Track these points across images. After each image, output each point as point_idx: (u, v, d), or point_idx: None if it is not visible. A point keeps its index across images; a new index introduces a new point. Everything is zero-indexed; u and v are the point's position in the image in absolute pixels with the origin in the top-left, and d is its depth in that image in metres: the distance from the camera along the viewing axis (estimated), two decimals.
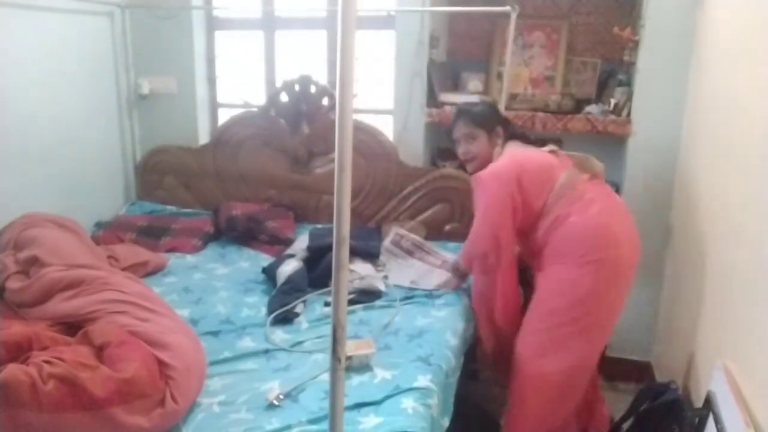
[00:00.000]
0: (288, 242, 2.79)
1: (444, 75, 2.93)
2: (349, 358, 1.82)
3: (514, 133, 2.21)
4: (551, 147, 2.15)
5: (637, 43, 2.51)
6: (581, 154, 2.10)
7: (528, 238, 2.08)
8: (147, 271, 2.50)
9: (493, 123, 2.17)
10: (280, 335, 2.02)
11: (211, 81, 3.31)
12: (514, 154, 2.09)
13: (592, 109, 2.64)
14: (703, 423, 1.56)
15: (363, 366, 1.79)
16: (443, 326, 2.07)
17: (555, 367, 1.96)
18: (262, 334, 2.02)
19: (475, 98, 2.76)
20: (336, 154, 0.96)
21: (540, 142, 2.20)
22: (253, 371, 1.80)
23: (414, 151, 2.88)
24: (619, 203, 2.07)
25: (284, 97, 2.96)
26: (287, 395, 1.65)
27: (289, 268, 2.34)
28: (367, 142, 2.83)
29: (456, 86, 2.95)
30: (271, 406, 1.60)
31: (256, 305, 2.23)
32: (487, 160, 2.14)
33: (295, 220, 2.97)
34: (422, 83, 2.79)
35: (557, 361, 1.95)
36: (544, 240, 2.01)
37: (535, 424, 2.04)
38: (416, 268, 2.54)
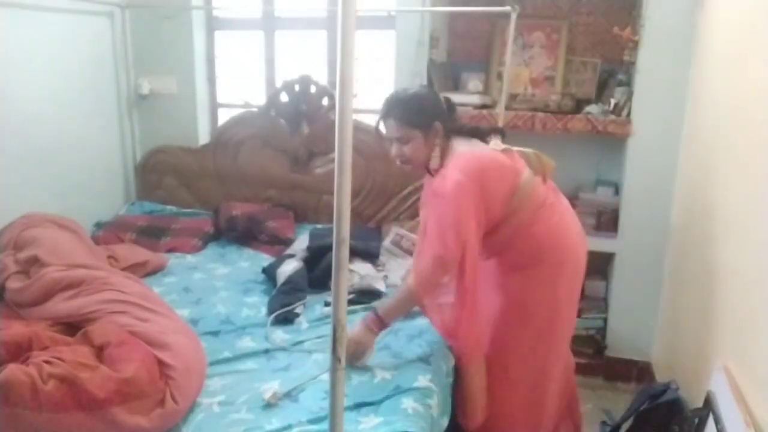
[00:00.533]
0: (288, 242, 2.79)
1: (444, 75, 2.93)
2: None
3: (455, 128, 1.92)
4: (501, 145, 1.91)
5: (637, 43, 2.51)
6: (531, 151, 1.93)
7: (483, 244, 1.85)
8: (147, 271, 2.50)
9: (429, 119, 1.83)
10: (280, 335, 2.02)
11: (211, 81, 3.31)
12: (468, 158, 1.80)
13: (592, 109, 2.64)
14: (703, 423, 1.56)
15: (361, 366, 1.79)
16: None
17: (516, 368, 1.95)
18: (262, 334, 2.02)
19: (475, 98, 2.77)
20: (336, 154, 0.96)
21: (483, 134, 1.94)
22: (253, 371, 1.80)
23: None
24: (568, 206, 2.00)
25: (284, 97, 2.96)
26: (286, 395, 1.65)
27: (289, 268, 2.34)
28: (367, 142, 2.83)
29: (456, 86, 2.95)
30: (269, 406, 1.60)
31: (256, 305, 2.23)
32: (424, 163, 1.89)
33: (295, 220, 2.97)
34: (422, 83, 2.79)
35: (518, 365, 1.95)
36: (505, 246, 1.89)
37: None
38: None
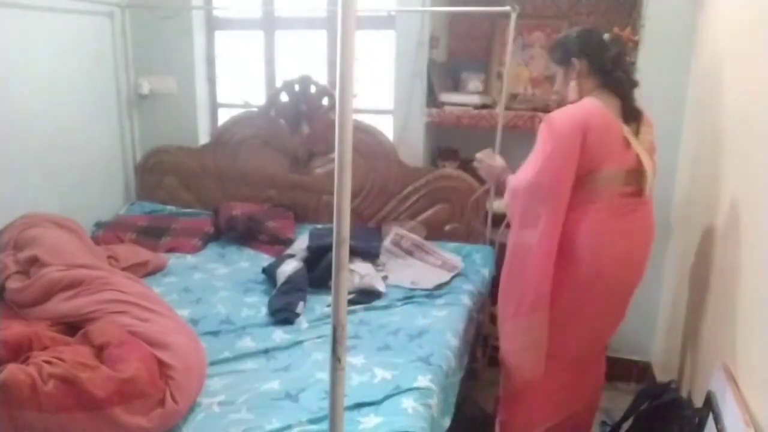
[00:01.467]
0: (288, 242, 2.79)
1: (444, 75, 2.93)
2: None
3: (604, 71, 1.86)
4: (631, 132, 1.83)
5: (637, 43, 2.51)
6: (649, 160, 1.83)
7: None
8: (147, 271, 2.50)
9: (569, 55, 1.88)
10: (280, 335, 2.02)
11: (211, 81, 3.31)
12: (589, 107, 1.80)
13: None
14: (703, 423, 1.56)
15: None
16: (443, 326, 2.07)
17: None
18: (262, 334, 2.02)
19: (475, 98, 2.77)
20: (336, 154, 0.96)
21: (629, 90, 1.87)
22: (253, 371, 1.80)
23: (414, 151, 2.88)
24: (647, 227, 1.92)
25: (284, 97, 2.96)
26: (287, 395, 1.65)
27: (289, 268, 2.34)
28: (367, 142, 2.83)
29: (456, 86, 2.95)
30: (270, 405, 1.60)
31: (256, 305, 2.23)
32: (564, 99, 1.94)
33: (295, 220, 2.97)
34: (422, 83, 2.79)
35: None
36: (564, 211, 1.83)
37: (526, 417, 2.06)
38: (416, 268, 2.54)
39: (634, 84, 1.88)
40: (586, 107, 1.81)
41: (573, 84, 1.89)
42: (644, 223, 1.92)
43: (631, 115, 1.84)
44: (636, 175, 1.83)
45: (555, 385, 2.00)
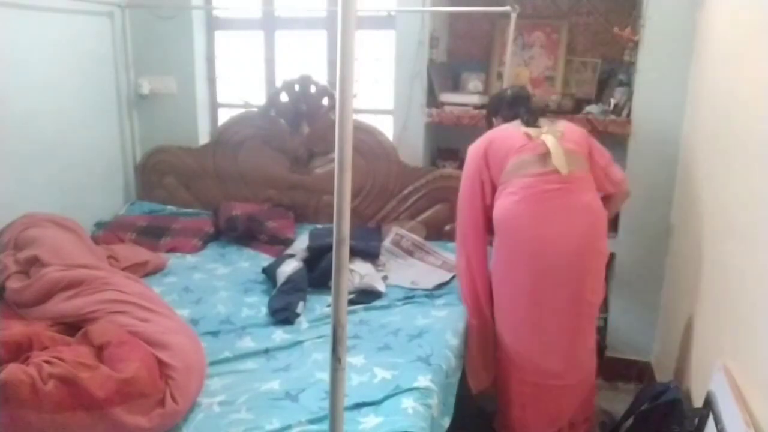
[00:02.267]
0: (288, 242, 2.79)
1: (444, 75, 2.93)
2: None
3: (511, 117, 2.21)
4: (532, 129, 2.08)
5: (637, 43, 2.51)
6: (555, 142, 2.02)
7: None
8: (147, 271, 2.50)
9: (492, 111, 2.32)
10: (281, 335, 2.02)
11: (211, 81, 3.31)
12: (486, 135, 2.17)
13: (592, 109, 2.64)
14: (703, 423, 1.56)
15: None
16: (443, 326, 2.07)
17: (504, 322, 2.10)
18: (262, 334, 2.02)
19: (475, 98, 2.77)
20: (336, 154, 0.96)
21: (534, 117, 2.16)
22: (253, 371, 1.80)
23: (414, 151, 2.88)
24: (573, 205, 1.98)
25: (284, 97, 2.96)
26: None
27: (289, 268, 2.34)
28: (367, 142, 2.83)
29: (456, 86, 2.95)
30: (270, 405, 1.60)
31: (256, 305, 2.23)
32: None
33: (295, 220, 2.97)
34: (422, 83, 2.79)
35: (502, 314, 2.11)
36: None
37: (521, 411, 2.10)
38: (416, 268, 2.54)
39: (534, 112, 2.22)
40: (488, 133, 2.19)
41: None
42: (567, 203, 1.99)
43: (530, 120, 2.14)
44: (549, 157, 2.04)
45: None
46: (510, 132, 2.12)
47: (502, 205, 2.03)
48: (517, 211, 1.98)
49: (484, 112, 2.45)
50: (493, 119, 2.31)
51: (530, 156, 2.02)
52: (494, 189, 2.09)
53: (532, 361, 2.04)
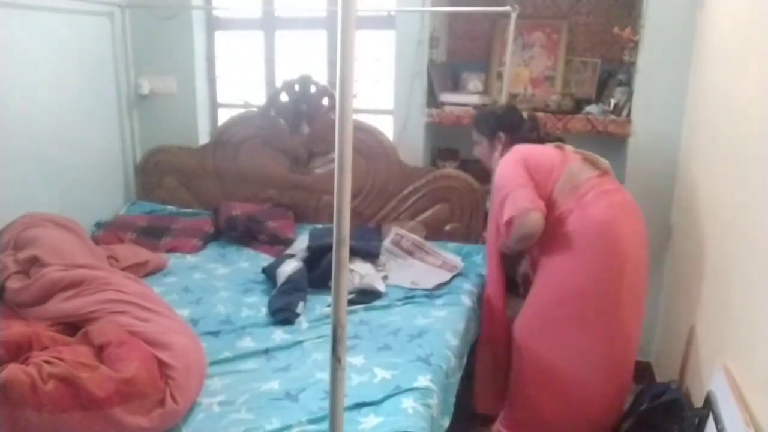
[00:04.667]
0: (288, 242, 2.79)
1: (444, 75, 2.93)
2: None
3: (521, 137, 2.21)
4: (556, 144, 2.17)
5: (637, 43, 2.51)
6: (587, 152, 2.12)
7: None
8: (147, 271, 2.50)
9: (493, 130, 2.24)
10: (281, 335, 2.02)
11: (211, 81, 3.31)
12: (516, 149, 2.13)
13: (592, 109, 2.64)
14: (703, 423, 1.56)
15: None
16: (443, 326, 2.07)
17: (546, 349, 2.03)
18: (262, 334, 2.02)
19: (475, 98, 2.77)
20: (336, 154, 0.96)
21: (543, 141, 2.23)
22: (253, 371, 1.80)
23: (414, 151, 2.88)
24: (628, 201, 2.04)
25: (284, 97, 2.96)
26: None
27: (289, 268, 2.34)
28: (367, 142, 2.83)
29: (456, 86, 2.95)
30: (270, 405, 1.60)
31: (256, 305, 2.23)
32: (489, 164, 2.29)
33: (295, 220, 2.97)
34: (422, 83, 2.79)
35: (548, 346, 2.03)
36: (549, 233, 1.99)
37: (530, 413, 2.10)
38: (416, 268, 2.54)
39: (543, 138, 2.24)
40: (517, 148, 2.13)
41: (496, 155, 2.22)
42: (623, 200, 2.02)
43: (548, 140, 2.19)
44: (589, 160, 2.07)
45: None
46: (539, 149, 2.12)
47: (586, 215, 1.95)
48: (609, 216, 1.95)
49: (486, 119, 2.30)
50: (500, 134, 2.23)
51: (577, 165, 2.04)
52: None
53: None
